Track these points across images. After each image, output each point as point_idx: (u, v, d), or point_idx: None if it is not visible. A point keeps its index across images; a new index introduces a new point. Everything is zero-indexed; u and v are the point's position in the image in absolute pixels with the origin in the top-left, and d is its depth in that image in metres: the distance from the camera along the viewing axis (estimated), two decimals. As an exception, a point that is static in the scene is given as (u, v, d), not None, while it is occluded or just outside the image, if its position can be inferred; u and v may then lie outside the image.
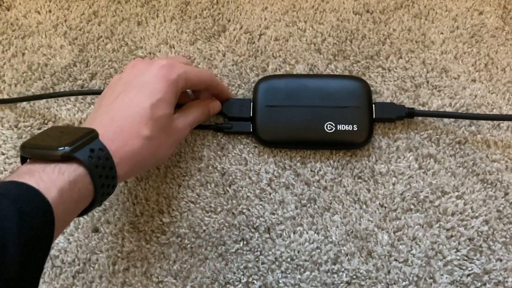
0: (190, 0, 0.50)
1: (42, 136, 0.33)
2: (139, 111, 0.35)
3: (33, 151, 0.31)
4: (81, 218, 0.43)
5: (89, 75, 0.48)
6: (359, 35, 0.48)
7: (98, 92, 0.46)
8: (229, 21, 0.49)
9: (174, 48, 0.48)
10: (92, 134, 0.32)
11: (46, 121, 0.46)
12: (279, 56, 0.48)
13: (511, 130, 0.45)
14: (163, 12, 0.50)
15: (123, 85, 0.38)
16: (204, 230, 0.42)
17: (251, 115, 0.44)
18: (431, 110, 0.45)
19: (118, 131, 0.34)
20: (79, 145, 0.31)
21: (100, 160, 0.32)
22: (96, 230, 0.43)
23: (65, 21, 0.50)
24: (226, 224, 0.43)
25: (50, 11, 0.50)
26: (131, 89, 0.37)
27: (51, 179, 0.30)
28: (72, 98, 0.47)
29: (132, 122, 0.35)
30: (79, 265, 0.42)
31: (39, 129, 0.46)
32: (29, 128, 0.46)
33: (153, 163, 0.39)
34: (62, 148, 0.30)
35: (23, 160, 0.32)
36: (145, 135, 0.35)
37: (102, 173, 0.32)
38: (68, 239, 0.43)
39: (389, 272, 0.41)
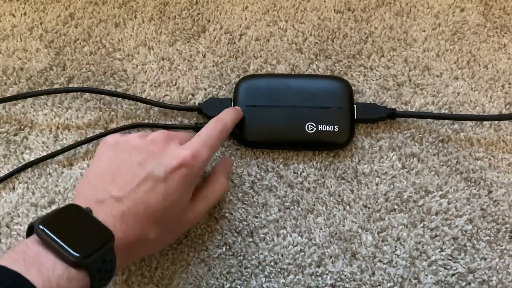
0: (169, 1, 0.49)
1: (62, 223, 0.31)
2: (149, 213, 0.34)
3: (49, 241, 0.29)
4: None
5: (66, 78, 0.47)
6: (341, 34, 0.48)
7: (77, 90, 0.45)
8: (208, 21, 0.49)
9: (153, 49, 0.47)
10: (109, 244, 0.31)
11: (22, 127, 0.45)
12: (260, 56, 0.47)
13: (494, 127, 0.45)
14: (141, 13, 0.49)
15: (139, 167, 0.34)
16: (186, 236, 0.42)
17: None
18: (414, 109, 0.45)
19: (126, 230, 0.33)
20: (94, 254, 0.30)
21: (107, 272, 0.31)
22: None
23: (41, 23, 0.49)
24: (208, 229, 0.42)
25: (25, 13, 0.49)
26: (146, 180, 0.34)
27: (58, 286, 0.28)
28: (49, 103, 0.46)
29: (141, 222, 0.33)
30: (58, 274, 0.41)
31: (15, 135, 0.45)
32: (5, 134, 0.45)
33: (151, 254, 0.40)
34: (78, 255, 0.29)
35: (30, 232, 0.31)
36: (151, 238, 0.34)
37: (104, 282, 0.31)
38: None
39: (373, 273, 0.41)
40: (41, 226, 0.30)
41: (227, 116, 0.41)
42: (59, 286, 0.28)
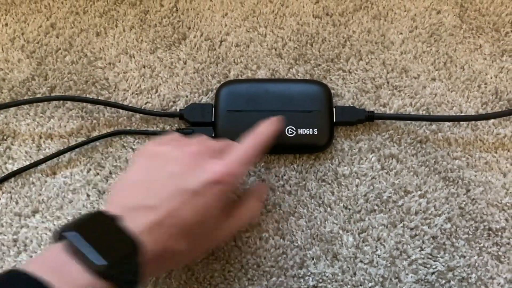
0: (149, 9, 0.50)
1: (90, 229, 0.30)
2: (180, 225, 0.33)
3: (76, 246, 0.29)
4: (43, 234, 0.42)
5: (48, 88, 0.47)
6: (319, 38, 0.49)
7: (58, 98, 0.46)
8: (189, 28, 0.49)
9: (134, 57, 0.48)
10: (136, 255, 0.30)
11: (5, 137, 0.46)
12: (241, 62, 0.48)
13: (471, 127, 0.45)
14: (122, 21, 0.49)
15: (174, 179, 0.34)
16: (169, 241, 0.42)
17: (213, 120, 0.44)
18: (392, 111, 0.46)
19: (155, 241, 0.32)
20: (122, 264, 0.30)
21: (131, 284, 0.30)
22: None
23: (22, 34, 0.49)
24: (191, 233, 0.42)
25: (6, 24, 0.49)
26: (180, 192, 0.34)
27: None
28: (32, 112, 0.46)
29: (171, 234, 0.33)
30: None
31: (-2, 145, 0.45)
32: (-12, 144, 0.45)
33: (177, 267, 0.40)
34: (105, 263, 0.29)
35: (60, 237, 0.31)
36: (180, 250, 0.34)
37: None
38: (31, 257, 0.42)
39: (355, 274, 0.41)
40: (68, 231, 0.30)
41: (264, 131, 0.39)
42: None
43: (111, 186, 0.38)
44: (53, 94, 0.47)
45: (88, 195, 0.44)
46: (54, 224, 0.43)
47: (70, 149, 0.44)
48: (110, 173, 0.44)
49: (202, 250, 0.38)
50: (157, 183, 0.34)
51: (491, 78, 0.47)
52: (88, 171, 0.44)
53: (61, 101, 0.46)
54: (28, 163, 0.44)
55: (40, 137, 0.46)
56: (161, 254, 0.33)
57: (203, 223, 0.35)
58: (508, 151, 0.45)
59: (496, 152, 0.45)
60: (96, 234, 0.30)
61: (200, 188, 0.34)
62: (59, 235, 0.31)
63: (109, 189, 0.44)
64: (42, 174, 0.44)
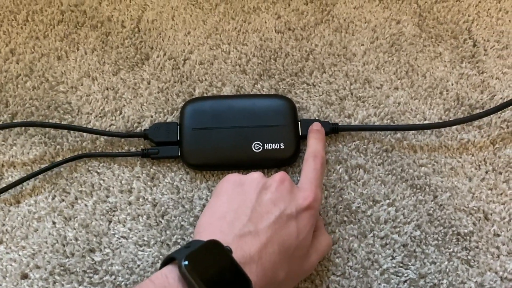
0: (111, 31, 0.49)
1: (205, 265, 0.31)
2: (283, 250, 0.35)
3: (193, 284, 0.29)
4: (8, 265, 0.41)
5: (9, 115, 0.46)
6: (283, 53, 0.49)
7: (20, 125, 0.45)
8: (152, 48, 0.49)
9: (96, 80, 0.48)
10: None
11: (-35, 167, 0.44)
12: (205, 79, 0.48)
13: (435, 134, 0.46)
14: (84, 44, 0.49)
15: (272, 205, 0.36)
16: (139, 265, 0.41)
17: (178, 138, 0.44)
18: (357, 121, 0.46)
19: (260, 273, 0.33)
20: None
21: None
22: (25, 277, 0.41)
23: (-19, 61, 0.48)
24: (160, 256, 0.42)
25: (-36, 52, 0.48)
26: (280, 217, 0.35)
27: None
28: (-7, 140, 0.45)
29: (275, 261, 0.34)
30: (8, 316, 0.40)
31: (-42, 176, 0.44)
32: None
33: None
34: None
35: (167, 261, 0.32)
36: (279, 279, 0.34)
37: None
38: (-4, 290, 0.41)
39: (327, 287, 0.41)
40: (186, 265, 0.30)
41: (319, 146, 0.41)
42: None
43: (201, 214, 0.38)
44: (14, 121, 0.46)
45: (54, 223, 0.43)
46: (19, 255, 0.41)
47: (34, 175, 0.43)
48: (76, 198, 0.43)
49: (294, 281, 0.38)
50: (257, 211, 0.36)
51: (452, 84, 0.48)
52: (53, 198, 0.43)
53: (23, 128, 0.46)
54: (-10, 193, 0.43)
55: (2, 166, 0.45)
56: (263, 286, 0.33)
57: (300, 248, 0.36)
58: (472, 155, 0.45)
59: (461, 157, 0.45)
60: (210, 271, 0.30)
61: (296, 213, 0.36)
62: (169, 260, 0.32)
63: (75, 215, 0.43)
64: (5, 204, 0.43)
